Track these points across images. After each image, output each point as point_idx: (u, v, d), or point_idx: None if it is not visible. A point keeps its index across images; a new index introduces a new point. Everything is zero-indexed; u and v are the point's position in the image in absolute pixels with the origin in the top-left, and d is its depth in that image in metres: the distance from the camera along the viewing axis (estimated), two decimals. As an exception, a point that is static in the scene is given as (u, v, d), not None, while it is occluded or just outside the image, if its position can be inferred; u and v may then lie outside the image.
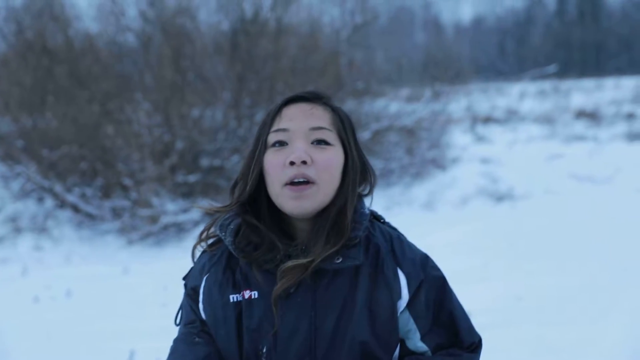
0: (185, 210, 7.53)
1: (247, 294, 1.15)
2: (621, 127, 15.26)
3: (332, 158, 1.16)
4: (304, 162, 1.13)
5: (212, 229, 1.27)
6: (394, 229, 1.30)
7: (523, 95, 18.46)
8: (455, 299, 1.25)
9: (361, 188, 1.25)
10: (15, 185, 8.47)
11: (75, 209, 7.76)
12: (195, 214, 7.45)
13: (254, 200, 1.21)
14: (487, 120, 15.66)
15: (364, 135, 8.91)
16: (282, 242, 1.17)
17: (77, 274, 6.00)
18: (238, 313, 1.15)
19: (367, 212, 1.24)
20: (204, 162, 7.77)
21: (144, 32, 8.61)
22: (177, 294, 1.36)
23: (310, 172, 1.13)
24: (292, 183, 1.13)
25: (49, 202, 8.16)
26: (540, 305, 4.41)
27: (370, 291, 1.15)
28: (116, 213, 7.47)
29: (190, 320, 1.24)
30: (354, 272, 1.15)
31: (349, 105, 8.99)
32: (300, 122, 1.17)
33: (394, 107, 10.15)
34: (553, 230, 6.55)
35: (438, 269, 1.26)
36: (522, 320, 4.14)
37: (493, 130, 15.11)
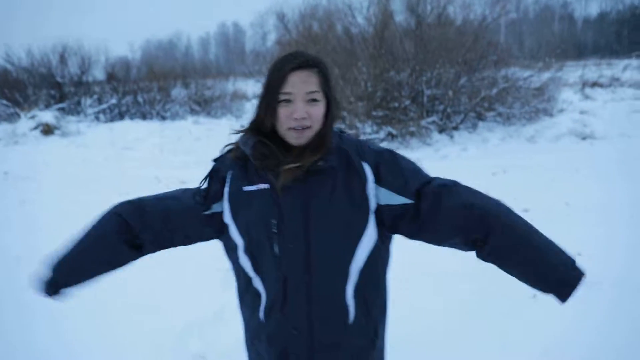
0: (376, 132, 9.00)
1: (261, 186, 1.21)
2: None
3: (319, 111, 1.21)
4: (304, 118, 1.19)
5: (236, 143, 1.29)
6: (359, 140, 1.30)
7: (626, 67, 17.39)
8: (405, 160, 1.26)
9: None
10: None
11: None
12: (382, 135, 8.84)
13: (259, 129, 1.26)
14: (594, 85, 15.11)
15: (493, 91, 9.54)
16: (282, 154, 1.22)
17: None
18: (253, 198, 1.22)
19: (336, 130, 1.30)
20: (392, 104, 8.84)
21: (363, 27, 9.94)
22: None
23: (307, 122, 1.19)
24: (294, 128, 1.20)
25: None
26: (585, 209, 4.47)
27: (345, 179, 1.22)
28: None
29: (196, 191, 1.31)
30: (333, 171, 1.21)
31: (487, 72, 9.46)
32: (300, 88, 1.18)
33: (526, 73, 10.07)
34: (618, 160, 6.55)
35: (390, 150, 1.27)
36: (568, 221, 4.08)
37: (597, 92, 14.38)
